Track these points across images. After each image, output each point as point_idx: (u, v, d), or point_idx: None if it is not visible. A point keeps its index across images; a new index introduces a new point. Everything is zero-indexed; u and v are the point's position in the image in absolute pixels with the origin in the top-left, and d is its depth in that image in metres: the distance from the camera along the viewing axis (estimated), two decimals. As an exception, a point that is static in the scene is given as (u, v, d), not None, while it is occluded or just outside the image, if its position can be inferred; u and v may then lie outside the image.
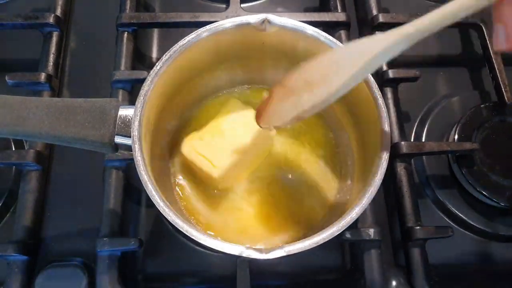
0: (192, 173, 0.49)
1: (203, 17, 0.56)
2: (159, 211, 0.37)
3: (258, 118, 0.43)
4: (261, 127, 0.43)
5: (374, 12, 0.60)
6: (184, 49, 0.43)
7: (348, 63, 0.35)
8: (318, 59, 0.38)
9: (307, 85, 0.38)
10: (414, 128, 0.58)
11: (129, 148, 0.40)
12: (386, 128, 0.41)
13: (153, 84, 0.42)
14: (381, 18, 0.59)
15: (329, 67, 0.37)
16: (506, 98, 0.56)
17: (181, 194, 0.49)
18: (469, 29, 0.63)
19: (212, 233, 0.47)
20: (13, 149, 0.53)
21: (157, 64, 0.42)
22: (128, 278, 0.48)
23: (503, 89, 0.56)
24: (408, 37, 0.32)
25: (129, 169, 0.51)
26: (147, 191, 0.38)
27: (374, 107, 0.42)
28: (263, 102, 0.42)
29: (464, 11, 0.31)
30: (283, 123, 0.40)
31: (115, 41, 0.57)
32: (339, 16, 0.58)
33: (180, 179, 0.50)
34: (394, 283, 0.49)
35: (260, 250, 0.37)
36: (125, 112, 0.40)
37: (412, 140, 0.57)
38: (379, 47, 0.33)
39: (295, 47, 0.47)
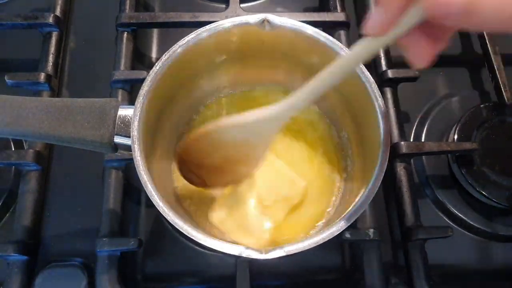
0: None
1: (203, 17, 0.56)
2: (158, 211, 0.37)
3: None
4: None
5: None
6: (184, 49, 0.43)
7: None
8: None
9: None
10: (414, 128, 0.58)
11: (128, 148, 0.40)
12: (386, 128, 0.41)
13: (153, 84, 0.42)
14: (381, 18, 0.58)
15: None
16: (506, 98, 0.56)
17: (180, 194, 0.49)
18: (469, 29, 0.63)
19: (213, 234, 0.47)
20: (13, 149, 0.53)
21: (156, 64, 0.42)
22: (128, 278, 0.48)
23: (503, 89, 0.56)
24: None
25: (128, 169, 0.51)
26: (146, 191, 0.38)
27: (373, 107, 0.42)
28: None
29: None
30: None
31: (114, 41, 0.57)
32: (338, 16, 0.58)
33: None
34: (394, 283, 0.49)
35: (259, 250, 0.36)
36: (125, 112, 0.40)
37: (412, 140, 0.57)
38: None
39: (294, 47, 0.47)
